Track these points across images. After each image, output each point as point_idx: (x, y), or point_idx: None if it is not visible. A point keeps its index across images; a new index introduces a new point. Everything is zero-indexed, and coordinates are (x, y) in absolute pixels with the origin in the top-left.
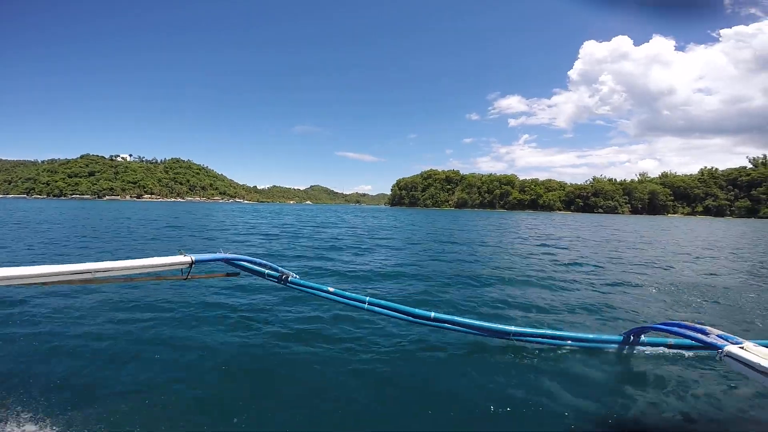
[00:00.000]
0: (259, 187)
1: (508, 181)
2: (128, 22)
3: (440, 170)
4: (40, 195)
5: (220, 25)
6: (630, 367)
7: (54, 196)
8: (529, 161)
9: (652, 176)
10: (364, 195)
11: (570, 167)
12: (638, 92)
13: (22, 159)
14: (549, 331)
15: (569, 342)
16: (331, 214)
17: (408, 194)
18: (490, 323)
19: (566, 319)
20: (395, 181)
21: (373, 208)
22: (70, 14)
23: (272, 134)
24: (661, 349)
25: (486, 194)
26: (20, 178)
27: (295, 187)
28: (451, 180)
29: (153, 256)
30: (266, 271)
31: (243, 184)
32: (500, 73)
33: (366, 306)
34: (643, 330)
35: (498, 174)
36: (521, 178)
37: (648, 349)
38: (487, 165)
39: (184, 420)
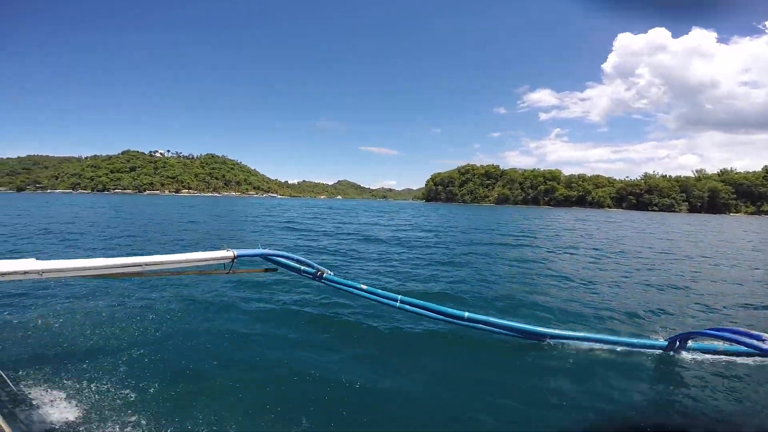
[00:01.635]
0: (289, 182)
1: (553, 176)
2: (160, 18)
3: (478, 165)
4: (84, 190)
5: (247, 22)
6: (675, 374)
7: (98, 190)
8: (560, 156)
9: (690, 173)
10: (390, 190)
11: (605, 162)
12: (678, 85)
13: (67, 155)
14: (588, 334)
15: (610, 345)
16: (375, 211)
17: (444, 189)
18: (526, 325)
19: (607, 321)
20: (429, 176)
21: (408, 204)
22: (114, 14)
23: (298, 129)
24: (709, 356)
25: (529, 190)
26: (66, 174)
27: (323, 182)
28: (491, 175)
29: (199, 251)
30: (302, 267)
31: (275, 179)
32: (529, 66)
33: (398, 304)
34: (691, 335)
35: (541, 169)
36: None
37: (695, 355)
38: (515, 160)
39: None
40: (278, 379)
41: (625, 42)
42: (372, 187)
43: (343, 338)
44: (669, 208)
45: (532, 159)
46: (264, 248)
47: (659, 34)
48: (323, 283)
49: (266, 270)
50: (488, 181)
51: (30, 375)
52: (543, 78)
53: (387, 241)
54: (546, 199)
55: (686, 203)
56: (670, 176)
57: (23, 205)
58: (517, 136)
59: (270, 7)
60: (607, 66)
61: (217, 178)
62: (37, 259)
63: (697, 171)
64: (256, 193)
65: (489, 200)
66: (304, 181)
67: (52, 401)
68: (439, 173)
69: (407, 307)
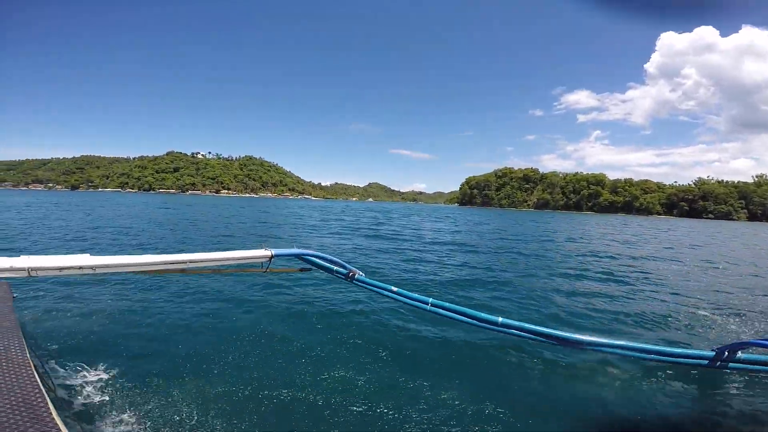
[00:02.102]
0: (322, 184)
1: (597, 180)
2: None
3: (516, 168)
4: (132, 189)
5: (284, 30)
6: (722, 388)
7: (144, 190)
8: (600, 159)
9: (747, 178)
10: (421, 193)
11: (648, 166)
12: (728, 86)
13: (117, 156)
14: (628, 343)
15: (652, 356)
16: (414, 215)
17: (480, 193)
18: (563, 332)
19: (651, 331)
20: (463, 180)
21: (443, 208)
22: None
23: (330, 132)
24: (762, 368)
25: (571, 195)
26: (116, 174)
27: (355, 185)
28: (530, 179)
29: (238, 249)
30: (335, 267)
31: (309, 181)
32: (565, 66)
33: (428, 307)
34: (742, 345)
35: (584, 173)
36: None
37: (746, 367)
38: (552, 163)
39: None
40: (303, 380)
41: (669, 41)
42: (402, 190)
43: (370, 340)
44: (726, 216)
45: (570, 162)
46: (299, 248)
47: (706, 32)
48: (354, 283)
49: (301, 270)
50: (527, 185)
51: (76, 363)
52: (580, 79)
53: (454, 244)
54: (589, 204)
55: (745, 210)
56: (726, 181)
57: (89, 204)
58: (554, 138)
59: (304, 15)
60: (650, 66)
61: (254, 180)
62: (91, 254)
63: (757, 176)
64: (291, 195)
65: (528, 205)
66: (336, 183)
67: (95, 389)
68: (474, 176)
69: (438, 310)
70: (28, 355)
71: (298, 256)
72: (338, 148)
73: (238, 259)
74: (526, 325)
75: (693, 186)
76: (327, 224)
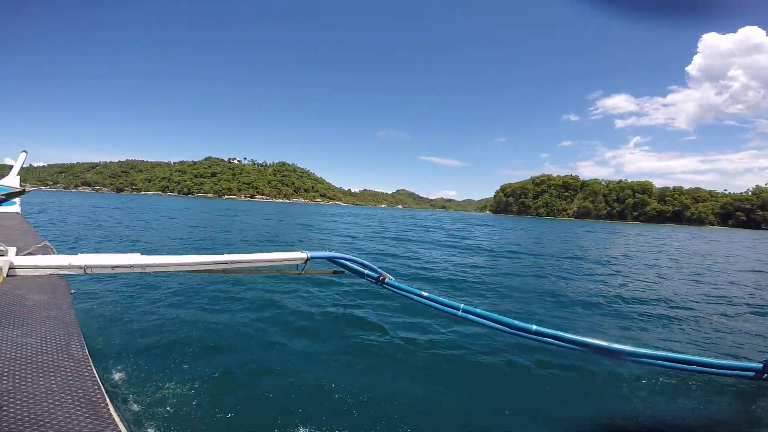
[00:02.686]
0: (352, 191)
1: (643, 188)
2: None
3: (555, 175)
4: (172, 193)
5: (317, 37)
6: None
7: (183, 194)
8: (640, 166)
9: None
10: (450, 200)
11: (692, 173)
12: None
13: (158, 160)
14: (670, 354)
15: (694, 367)
16: (447, 223)
17: (516, 201)
18: (601, 341)
19: (696, 342)
20: (498, 187)
21: (477, 216)
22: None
23: (359, 138)
24: None
25: (615, 203)
26: (157, 177)
27: (383, 191)
28: (569, 186)
29: (276, 251)
30: (366, 271)
31: (339, 187)
32: (601, 70)
33: (460, 313)
34: None
35: (629, 180)
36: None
37: None
38: (589, 170)
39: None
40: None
41: (711, 42)
42: (430, 197)
43: (396, 347)
44: None
45: (608, 170)
46: (332, 251)
47: (752, 33)
48: (384, 287)
49: (333, 272)
50: (566, 193)
51: (126, 361)
52: (617, 83)
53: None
54: (635, 213)
55: None
56: None
57: (140, 207)
58: (591, 144)
59: (336, 23)
60: (692, 69)
61: (287, 185)
62: (141, 254)
63: None
64: (323, 201)
65: (567, 214)
66: (365, 189)
67: (148, 385)
68: (510, 184)
69: (469, 316)
70: (87, 351)
71: (330, 258)
72: (367, 154)
73: (276, 260)
74: (562, 334)
75: (751, 194)
76: (394, 236)
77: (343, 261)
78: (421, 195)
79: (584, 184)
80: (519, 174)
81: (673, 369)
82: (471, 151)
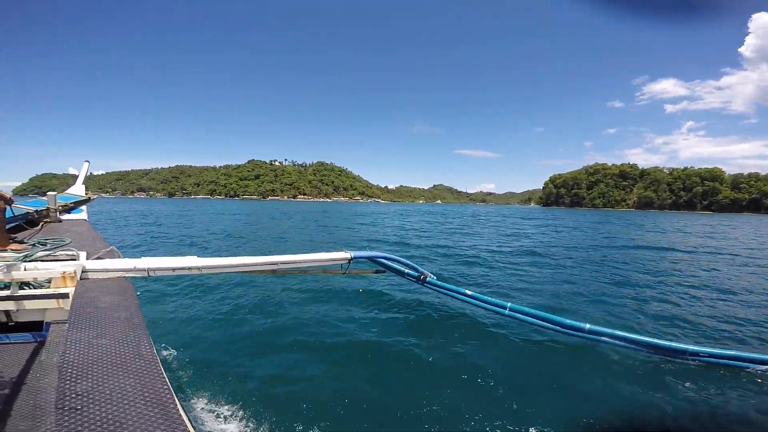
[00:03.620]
0: (388, 187)
1: (713, 175)
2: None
3: (611, 164)
4: (219, 196)
5: (347, 39)
6: None
7: (229, 196)
8: (696, 152)
9: None
10: (490, 194)
11: (755, 158)
12: None
13: (205, 165)
14: (740, 353)
15: (764, 367)
16: (499, 216)
17: (568, 192)
18: (661, 340)
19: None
20: (548, 178)
21: (527, 210)
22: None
23: (392, 134)
24: None
25: (681, 192)
26: (205, 181)
27: (419, 186)
28: (627, 175)
29: (321, 252)
30: (406, 270)
31: (376, 185)
32: (646, 54)
33: (506, 312)
34: None
35: (697, 167)
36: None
37: None
38: (638, 157)
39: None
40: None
41: (764, 22)
42: (469, 191)
43: (442, 349)
44: None
45: (660, 157)
46: (374, 251)
47: None
48: (426, 286)
49: (375, 272)
50: (624, 183)
51: (187, 361)
52: (664, 66)
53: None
54: (704, 202)
55: None
56: None
57: (195, 210)
58: (639, 131)
59: (367, 22)
60: (745, 50)
61: (327, 185)
62: (198, 256)
63: None
64: (362, 199)
65: (626, 204)
66: (401, 186)
67: (209, 381)
68: (560, 174)
69: (518, 315)
70: (155, 352)
71: (373, 258)
72: (399, 150)
73: (322, 261)
74: (618, 332)
75: None
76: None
77: (384, 261)
78: (459, 189)
79: (644, 173)
80: (561, 164)
81: (742, 368)
82: (508, 142)
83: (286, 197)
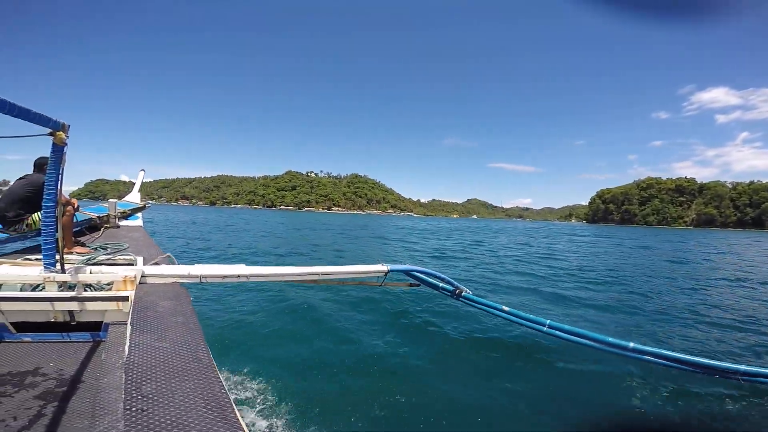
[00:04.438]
0: (421, 201)
1: None
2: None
3: (665, 178)
4: (257, 206)
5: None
6: None
7: (267, 206)
8: (752, 165)
9: None
10: (527, 209)
11: None
12: None
13: (245, 175)
14: None
15: None
16: (547, 233)
17: (617, 209)
18: (710, 360)
19: None
20: (595, 193)
21: (569, 227)
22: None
23: (425, 148)
24: None
25: (747, 209)
26: (245, 191)
27: (453, 201)
28: (684, 190)
29: (359, 264)
30: (441, 284)
31: (409, 198)
32: (692, 63)
33: (545, 329)
34: None
35: (764, 182)
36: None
37: None
38: (688, 171)
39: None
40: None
41: None
42: (505, 206)
43: (477, 366)
44: None
45: (712, 170)
46: (409, 265)
47: None
48: (461, 300)
49: (410, 285)
50: (681, 198)
51: (239, 365)
52: (713, 74)
53: None
54: None
55: None
56: None
57: (245, 221)
58: (688, 143)
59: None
60: None
61: (360, 197)
62: (246, 265)
63: None
64: (394, 212)
65: (683, 222)
66: (433, 199)
67: (255, 382)
68: (608, 189)
69: (557, 332)
70: (211, 356)
71: (408, 271)
72: (431, 164)
73: (359, 273)
74: (664, 351)
75: None
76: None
77: (419, 274)
78: (494, 204)
79: (703, 187)
80: (603, 179)
81: None
82: (545, 155)
83: (321, 208)
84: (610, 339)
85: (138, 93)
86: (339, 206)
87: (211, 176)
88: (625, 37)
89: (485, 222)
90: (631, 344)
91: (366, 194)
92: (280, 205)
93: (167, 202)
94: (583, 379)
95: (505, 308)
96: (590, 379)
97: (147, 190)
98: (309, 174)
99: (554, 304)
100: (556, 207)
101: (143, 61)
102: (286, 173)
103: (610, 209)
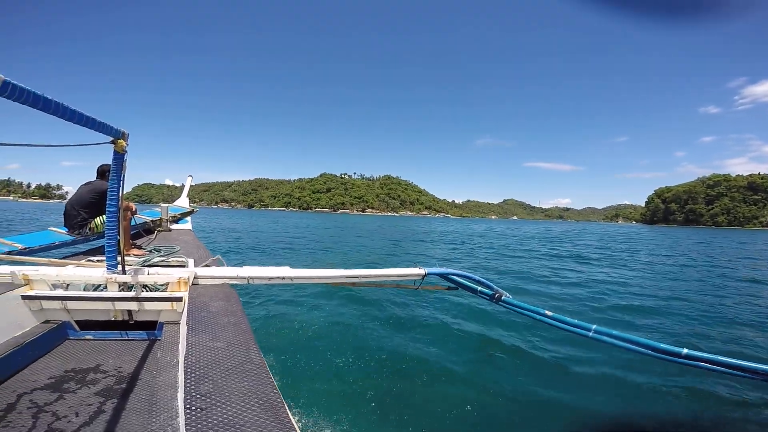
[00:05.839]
0: (456, 202)
1: None
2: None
3: (734, 175)
4: (293, 208)
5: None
6: None
7: (303, 209)
8: None
9: None
10: (567, 209)
11: None
12: None
13: (280, 178)
14: None
15: None
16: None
17: (681, 208)
18: None
19: None
20: (653, 191)
21: (628, 229)
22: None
23: (457, 148)
24: None
25: None
26: (281, 194)
27: (488, 201)
28: (758, 187)
29: (396, 267)
30: (479, 288)
31: (443, 199)
32: (741, 53)
33: (591, 334)
34: None
35: None
36: None
37: None
38: (743, 168)
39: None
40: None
41: None
42: (543, 207)
43: (526, 371)
44: None
45: None
46: (447, 268)
47: None
48: (501, 305)
49: (448, 288)
50: (755, 196)
51: (286, 366)
52: (764, 66)
53: None
54: None
55: None
56: None
57: (287, 223)
58: (742, 139)
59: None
60: None
61: (394, 198)
62: (290, 267)
63: None
64: (429, 213)
65: (759, 222)
66: (468, 200)
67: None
68: (668, 187)
69: (604, 338)
70: (263, 356)
71: (445, 275)
72: (465, 164)
73: (396, 275)
74: (722, 358)
75: None
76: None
77: (457, 278)
78: (532, 204)
79: None
80: (649, 177)
81: None
82: (585, 153)
83: (355, 210)
84: (662, 345)
85: (178, 100)
86: (373, 208)
87: (249, 180)
88: (667, 32)
89: (531, 224)
90: (684, 350)
91: (399, 195)
92: (315, 208)
93: (207, 205)
94: (637, 388)
95: (548, 312)
96: (643, 388)
97: (189, 193)
98: (343, 176)
99: None
100: (599, 207)
101: (186, 68)
102: (320, 176)
103: (672, 209)
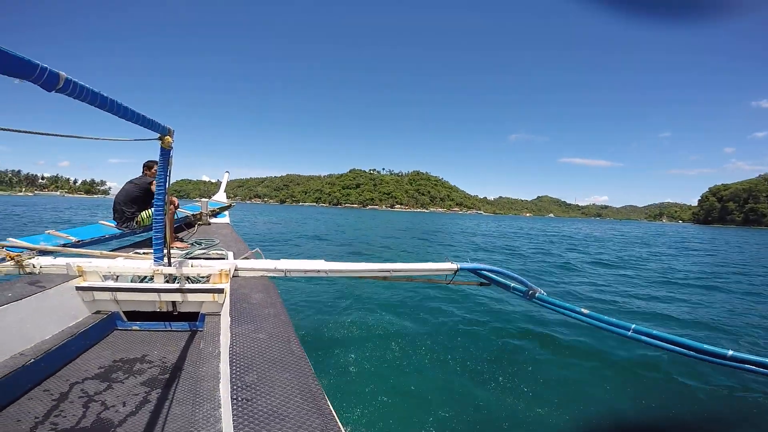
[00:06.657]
0: (488, 198)
1: None
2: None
3: None
4: (324, 204)
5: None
6: None
7: (333, 204)
8: None
9: None
10: (605, 207)
11: None
12: None
13: (311, 174)
14: None
15: None
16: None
17: (740, 208)
18: None
19: None
20: (707, 189)
21: (684, 229)
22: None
23: (490, 144)
24: None
25: None
26: (312, 190)
27: (522, 198)
28: None
29: (428, 262)
30: (512, 284)
31: (475, 195)
32: None
33: (630, 333)
34: None
35: None
36: None
37: None
38: None
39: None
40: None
41: None
42: (580, 204)
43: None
44: None
45: None
46: (479, 263)
47: None
48: (535, 302)
49: (480, 284)
50: None
51: (324, 358)
52: None
53: None
54: None
55: None
56: None
57: (317, 218)
58: None
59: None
60: None
61: (423, 194)
62: (325, 260)
63: None
64: (460, 210)
65: None
66: (500, 197)
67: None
68: (725, 185)
69: (643, 337)
70: (302, 347)
71: (478, 270)
72: (498, 160)
73: (429, 270)
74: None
75: None
76: None
77: (489, 273)
78: (567, 201)
79: None
80: (694, 174)
81: None
82: (624, 149)
83: (384, 206)
84: (706, 346)
85: (214, 99)
86: (402, 204)
87: (281, 176)
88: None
89: (579, 222)
90: (729, 352)
91: (429, 191)
92: (345, 203)
93: (241, 200)
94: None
95: (585, 311)
96: (691, 389)
97: (225, 189)
98: (372, 171)
99: None
100: (639, 205)
101: (219, 69)
102: (350, 171)
103: (730, 208)
